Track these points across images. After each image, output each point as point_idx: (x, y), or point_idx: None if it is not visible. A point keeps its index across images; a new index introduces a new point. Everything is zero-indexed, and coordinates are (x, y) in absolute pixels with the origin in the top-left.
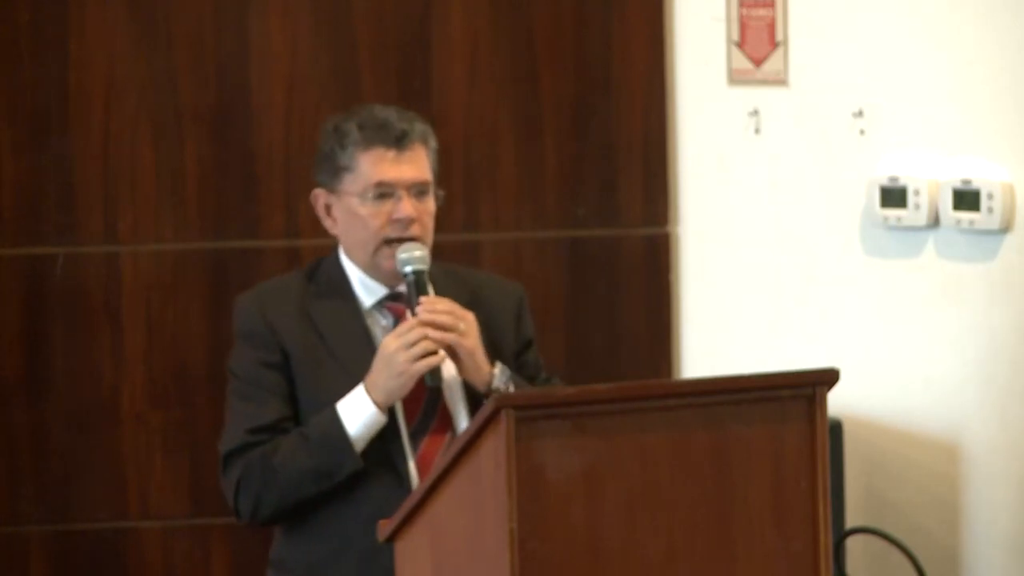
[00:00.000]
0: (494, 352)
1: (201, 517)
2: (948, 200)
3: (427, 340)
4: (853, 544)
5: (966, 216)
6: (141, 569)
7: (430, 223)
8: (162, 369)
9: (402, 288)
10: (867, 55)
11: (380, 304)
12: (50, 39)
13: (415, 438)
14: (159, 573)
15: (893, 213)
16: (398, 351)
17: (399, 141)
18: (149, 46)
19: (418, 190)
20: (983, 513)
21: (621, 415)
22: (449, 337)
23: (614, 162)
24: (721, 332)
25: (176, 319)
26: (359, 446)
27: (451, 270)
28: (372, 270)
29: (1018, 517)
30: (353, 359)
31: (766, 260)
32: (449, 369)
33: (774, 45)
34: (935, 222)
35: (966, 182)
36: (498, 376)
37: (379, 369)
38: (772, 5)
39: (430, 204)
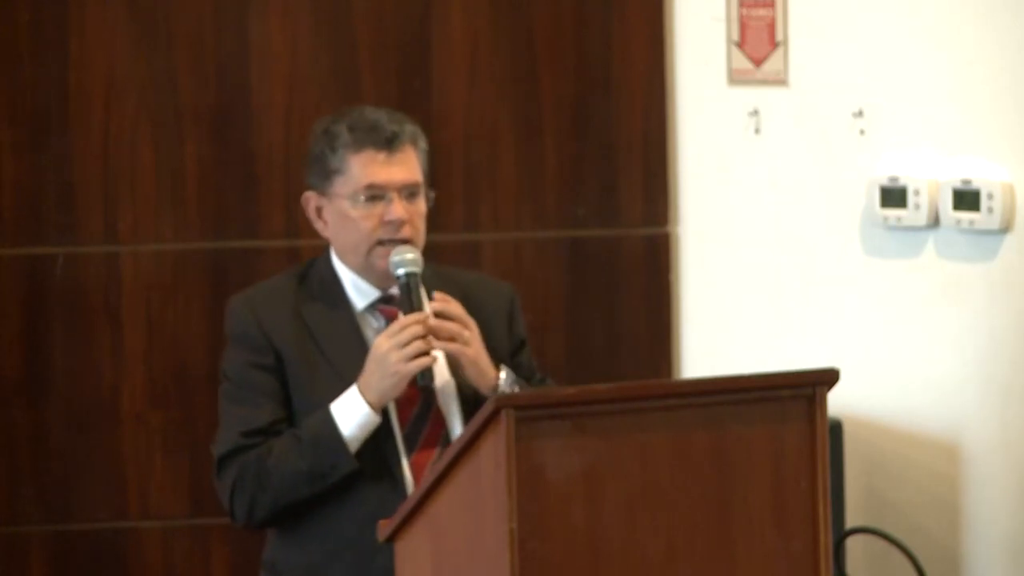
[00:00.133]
0: (488, 354)
1: (201, 517)
2: (948, 200)
3: (420, 340)
4: (853, 544)
5: (966, 216)
6: (141, 569)
7: (421, 224)
8: (162, 369)
9: (395, 290)
10: (867, 55)
11: (372, 307)
12: (50, 39)
13: (409, 439)
14: (159, 573)
15: (893, 213)
16: (390, 351)
17: (389, 143)
18: (149, 46)
19: (409, 192)
20: (983, 513)
21: (621, 415)
22: (453, 347)
23: (614, 162)
24: (721, 332)
25: (176, 319)
26: (353, 446)
27: (442, 272)
28: (365, 272)
29: (1018, 517)
30: (346, 362)
31: (766, 260)
32: (442, 371)
33: (774, 45)
34: (935, 222)
35: (966, 182)
36: (504, 380)
37: (372, 370)
38: (772, 5)
39: (421, 205)
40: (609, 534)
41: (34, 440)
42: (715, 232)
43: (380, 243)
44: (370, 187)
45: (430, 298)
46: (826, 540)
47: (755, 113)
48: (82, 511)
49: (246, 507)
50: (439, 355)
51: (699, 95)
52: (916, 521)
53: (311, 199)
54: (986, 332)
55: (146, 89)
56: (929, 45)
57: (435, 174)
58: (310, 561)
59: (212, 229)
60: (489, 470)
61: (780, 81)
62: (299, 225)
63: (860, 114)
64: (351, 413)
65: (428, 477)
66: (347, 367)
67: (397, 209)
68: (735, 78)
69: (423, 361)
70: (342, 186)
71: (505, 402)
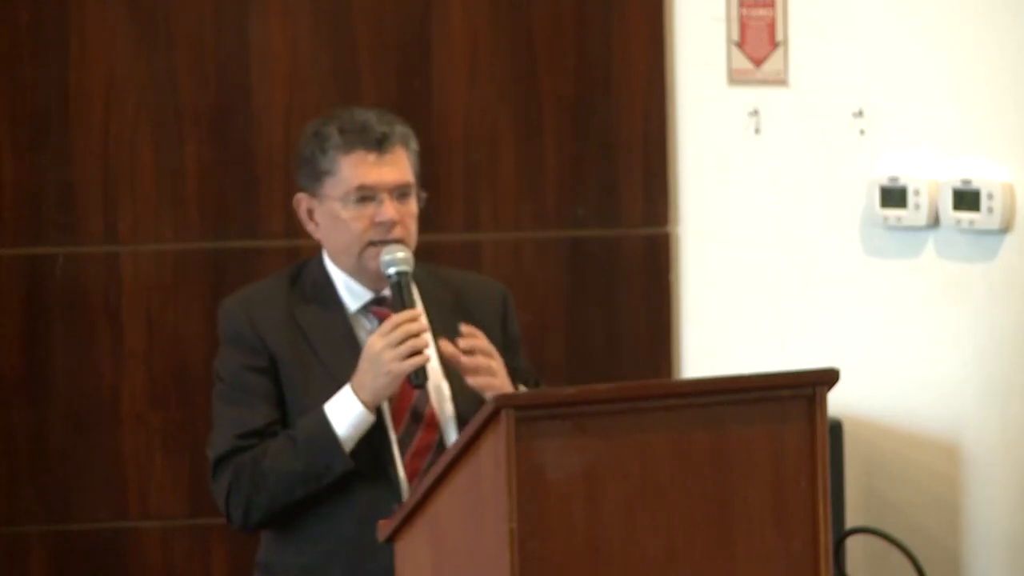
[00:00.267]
0: None
1: (201, 517)
2: (948, 200)
3: (413, 339)
4: (853, 544)
5: (966, 216)
6: (141, 569)
7: (413, 225)
8: (162, 369)
9: (387, 292)
10: (867, 55)
11: (365, 308)
12: (50, 39)
13: (404, 440)
14: (159, 573)
15: (893, 213)
16: (383, 350)
17: (380, 144)
18: (149, 46)
19: (400, 192)
20: (983, 513)
21: (621, 415)
22: (482, 380)
23: (614, 162)
24: (721, 332)
25: (176, 319)
26: (348, 446)
27: (434, 271)
28: (358, 273)
29: (1018, 517)
30: (339, 363)
31: (766, 260)
32: (436, 372)
33: (774, 45)
34: (935, 222)
35: (966, 182)
36: None
37: (365, 369)
38: (772, 5)
39: (412, 206)
40: (609, 534)
41: (34, 440)
42: (715, 232)
43: (372, 244)
44: (361, 188)
45: (422, 297)
46: (826, 540)
47: (755, 113)
48: (82, 511)
49: (242, 509)
50: (432, 354)
51: (699, 95)
52: (916, 521)
53: (302, 201)
54: (986, 332)
55: (146, 89)
56: (929, 45)
57: (435, 174)
58: (305, 562)
59: (212, 229)
60: (489, 470)
61: (780, 81)
62: (299, 225)
63: (860, 114)
64: (345, 413)
65: (428, 477)
66: (340, 368)
67: (388, 210)
68: (735, 78)
69: (416, 360)
70: (333, 187)
71: (505, 402)
